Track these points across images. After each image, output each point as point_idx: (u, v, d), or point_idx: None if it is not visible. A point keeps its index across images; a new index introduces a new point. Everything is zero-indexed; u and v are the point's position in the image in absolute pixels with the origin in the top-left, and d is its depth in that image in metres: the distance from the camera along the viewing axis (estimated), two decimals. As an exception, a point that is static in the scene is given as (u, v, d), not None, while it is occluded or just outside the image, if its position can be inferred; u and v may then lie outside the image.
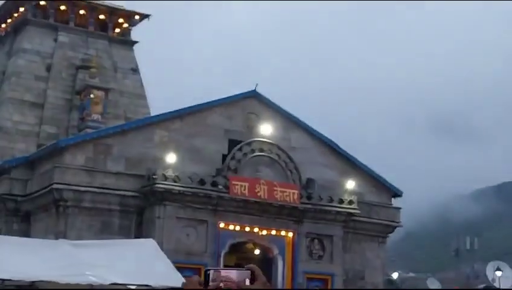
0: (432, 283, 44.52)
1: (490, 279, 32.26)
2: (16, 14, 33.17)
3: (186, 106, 25.57)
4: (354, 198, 25.91)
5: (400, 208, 28.77)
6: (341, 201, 25.67)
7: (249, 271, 2.92)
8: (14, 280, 13.54)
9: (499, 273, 30.56)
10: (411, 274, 65.73)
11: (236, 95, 26.29)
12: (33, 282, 13.96)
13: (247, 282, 2.91)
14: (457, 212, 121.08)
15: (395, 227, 28.54)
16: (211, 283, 2.90)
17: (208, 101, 25.81)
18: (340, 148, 27.81)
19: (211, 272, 2.90)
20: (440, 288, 43.05)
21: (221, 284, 2.89)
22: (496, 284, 30.66)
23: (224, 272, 2.92)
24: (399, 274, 53.13)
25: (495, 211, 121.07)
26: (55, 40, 32.01)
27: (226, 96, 26.22)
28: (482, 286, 36.35)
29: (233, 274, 2.90)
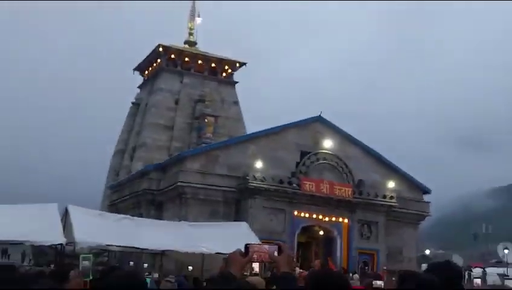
0: (456, 258, 42.48)
1: (500, 255, 30.67)
2: (154, 64, 34.57)
3: (269, 127, 25.71)
4: (393, 194, 25.33)
5: (429, 202, 27.82)
6: (384, 196, 25.15)
7: (277, 246, 2.94)
8: (149, 249, 13.95)
9: (506, 251, 29.12)
10: (440, 251, 62.83)
11: (306, 119, 26.13)
12: (163, 251, 14.36)
13: (276, 253, 2.93)
14: (475, 205, 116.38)
15: (425, 216, 27.69)
16: (249, 254, 2.92)
17: (285, 123, 25.81)
18: (384, 158, 27.15)
19: (250, 246, 2.93)
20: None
21: (254, 255, 2.91)
22: (504, 260, 29.22)
23: (257, 246, 2.93)
24: (431, 251, 50.93)
25: (505, 205, 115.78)
26: (181, 82, 33.04)
27: (299, 120, 26.12)
28: (493, 261, 34.46)
29: (265, 247, 2.93)
